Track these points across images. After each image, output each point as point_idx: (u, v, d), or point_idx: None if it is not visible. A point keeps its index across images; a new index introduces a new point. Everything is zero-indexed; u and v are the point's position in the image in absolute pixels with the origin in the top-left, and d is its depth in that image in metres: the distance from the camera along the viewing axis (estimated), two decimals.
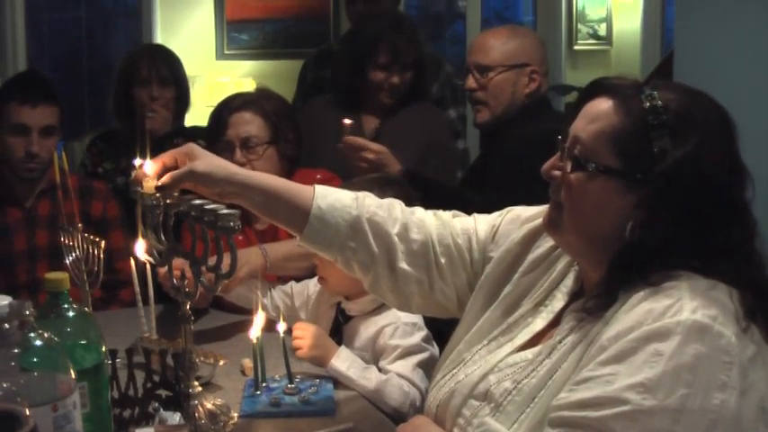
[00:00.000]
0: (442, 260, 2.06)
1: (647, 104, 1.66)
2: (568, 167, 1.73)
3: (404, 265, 2.03)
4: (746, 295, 1.60)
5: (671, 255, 1.63)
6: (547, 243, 1.97)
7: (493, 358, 1.88)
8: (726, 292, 1.60)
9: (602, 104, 1.72)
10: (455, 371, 1.96)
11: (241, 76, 7.17)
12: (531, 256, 1.99)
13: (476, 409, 1.83)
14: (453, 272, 2.07)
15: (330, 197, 2.01)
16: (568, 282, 1.89)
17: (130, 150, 2.48)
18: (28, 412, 1.37)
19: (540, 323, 1.88)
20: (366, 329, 2.57)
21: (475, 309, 2.03)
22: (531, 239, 2.01)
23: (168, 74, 3.89)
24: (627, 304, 1.61)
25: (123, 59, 4.11)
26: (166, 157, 1.95)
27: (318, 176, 3.10)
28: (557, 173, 1.77)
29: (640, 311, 1.56)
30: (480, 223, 2.09)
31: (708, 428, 1.48)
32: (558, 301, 1.88)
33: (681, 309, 1.53)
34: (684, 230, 1.63)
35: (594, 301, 1.69)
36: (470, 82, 3.35)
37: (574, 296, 1.86)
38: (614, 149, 1.67)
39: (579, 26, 9.93)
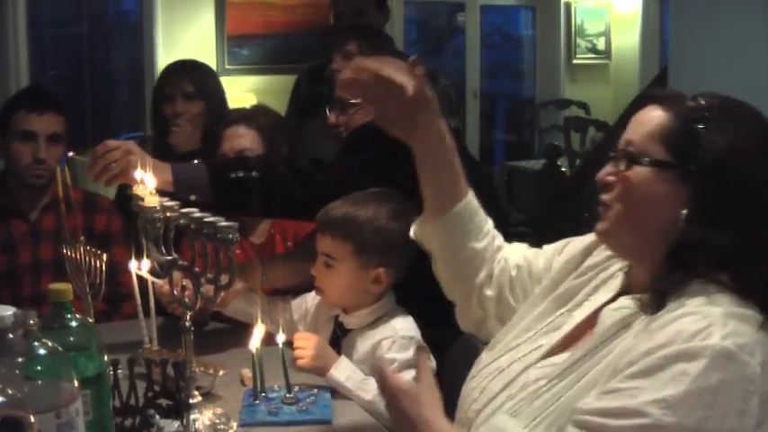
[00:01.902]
0: (511, 297, 2.20)
1: (692, 104, 1.77)
2: (622, 166, 1.81)
3: (488, 292, 2.21)
4: None
5: (719, 251, 1.70)
6: (604, 252, 2.04)
7: (534, 353, 1.96)
8: (758, 320, 1.64)
9: (651, 111, 1.81)
10: (501, 358, 2.03)
11: (242, 91, 7.18)
12: (588, 263, 2.08)
13: (512, 396, 1.89)
14: (516, 303, 2.20)
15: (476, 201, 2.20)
16: (614, 282, 1.95)
17: None
18: (32, 419, 1.40)
19: (580, 317, 1.96)
20: (364, 343, 2.58)
21: (531, 306, 2.13)
22: (591, 248, 2.10)
23: (194, 89, 3.81)
24: (660, 320, 1.67)
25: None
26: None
27: None
28: (611, 178, 1.84)
29: (672, 330, 1.61)
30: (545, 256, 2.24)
31: None
32: (601, 298, 1.95)
33: (711, 333, 1.57)
34: (733, 219, 1.71)
35: (649, 295, 1.76)
36: (332, 118, 3.19)
37: (616, 296, 1.91)
38: (664, 145, 1.76)
39: (578, 40, 9.97)
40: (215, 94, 3.92)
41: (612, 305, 1.84)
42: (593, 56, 10.08)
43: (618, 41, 9.97)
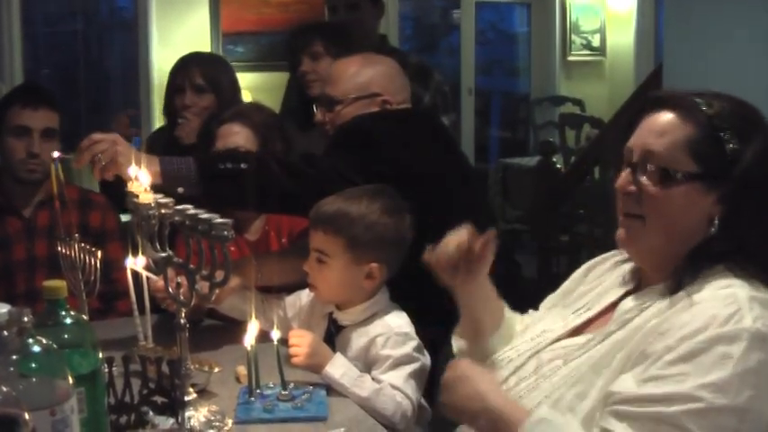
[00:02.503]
0: None
1: (711, 112, 1.81)
2: (647, 180, 1.84)
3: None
4: None
5: (739, 249, 1.77)
6: (609, 261, 2.13)
7: (543, 341, 2.01)
8: None
9: (666, 117, 1.85)
10: (509, 351, 2.09)
11: None
12: (592, 274, 2.15)
13: (521, 380, 1.94)
14: None
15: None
16: (627, 277, 2.01)
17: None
18: (27, 417, 1.40)
19: (594, 311, 2.01)
20: (358, 339, 2.58)
21: (547, 304, 2.24)
22: (591, 267, 2.19)
23: (204, 82, 3.78)
24: (683, 302, 1.73)
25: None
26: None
27: None
28: (633, 188, 1.87)
29: (705, 316, 1.67)
30: None
31: (765, 427, 1.62)
32: (614, 293, 2.00)
33: (743, 317, 1.64)
34: (757, 223, 1.79)
35: (662, 288, 1.83)
36: (318, 116, 3.20)
37: (629, 292, 1.97)
38: (691, 156, 1.80)
39: (573, 37, 9.96)
40: (226, 89, 3.86)
41: (631, 296, 1.88)
42: (588, 53, 10.07)
43: (613, 39, 9.96)
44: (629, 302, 1.88)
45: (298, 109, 4.18)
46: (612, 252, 2.13)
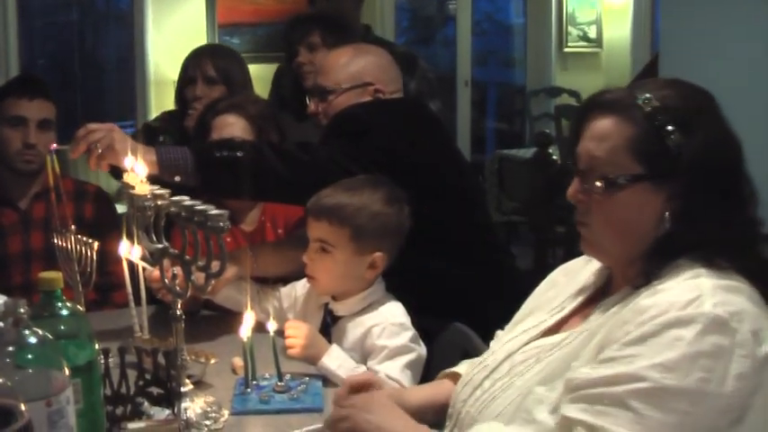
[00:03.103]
0: None
1: (648, 108, 1.76)
2: (593, 189, 1.81)
3: None
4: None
5: (699, 240, 1.74)
6: (577, 264, 2.11)
7: (516, 343, 1.98)
8: (745, 290, 1.68)
9: (606, 122, 1.81)
10: (487, 359, 2.05)
11: None
12: (571, 272, 2.12)
13: (495, 381, 1.92)
14: None
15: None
16: (597, 279, 1.99)
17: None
18: (23, 407, 1.40)
19: (567, 309, 1.98)
20: (354, 330, 2.58)
21: (519, 315, 2.18)
22: (554, 278, 2.17)
23: (215, 74, 3.75)
24: (648, 290, 1.71)
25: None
26: (356, 383, 2.09)
27: None
28: (581, 197, 1.86)
29: (665, 301, 1.64)
30: None
31: (721, 413, 1.57)
32: (587, 291, 1.99)
33: (703, 302, 1.61)
34: (712, 213, 1.74)
35: (627, 288, 1.80)
36: (311, 106, 3.18)
37: (599, 291, 1.95)
38: (634, 157, 1.76)
39: (569, 28, 9.96)
40: (238, 81, 3.83)
41: (603, 301, 1.87)
42: (585, 44, 10.07)
43: (609, 30, 9.96)
44: (599, 306, 1.87)
45: (293, 100, 4.18)
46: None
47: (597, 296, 1.94)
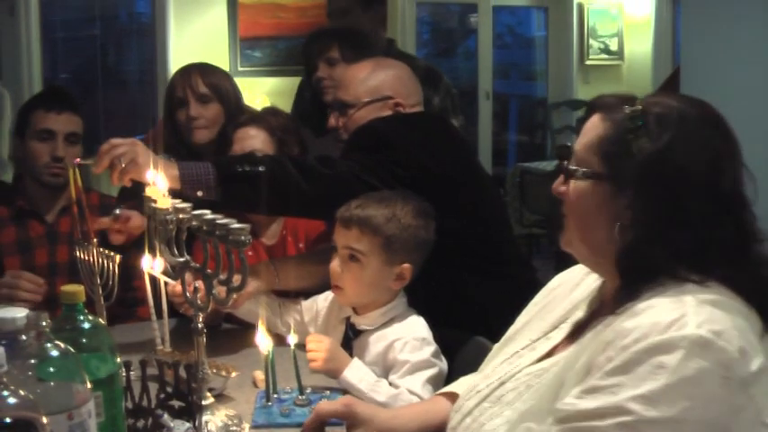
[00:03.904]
0: None
1: (628, 111, 1.73)
2: (564, 180, 1.82)
3: None
4: (753, 302, 1.66)
5: (667, 255, 1.67)
6: (583, 269, 2.03)
7: (512, 369, 1.94)
8: (731, 305, 1.63)
9: (591, 120, 1.81)
10: (477, 378, 2.03)
11: (254, 92, 7.20)
12: (568, 284, 2.08)
13: (485, 410, 1.89)
14: None
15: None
16: (591, 297, 1.95)
17: None
18: (45, 420, 1.40)
19: (559, 335, 1.94)
20: (376, 344, 2.58)
21: (513, 328, 2.14)
22: (551, 287, 2.14)
23: (207, 91, 3.64)
24: (631, 311, 1.64)
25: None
26: (327, 414, 2.06)
27: None
28: (563, 188, 1.84)
29: (646, 324, 1.59)
30: None
31: None
32: (578, 316, 1.94)
33: (686, 323, 1.56)
34: (672, 227, 1.67)
35: (610, 309, 1.73)
36: (332, 121, 3.19)
37: (594, 313, 1.90)
38: (599, 156, 1.75)
39: (591, 41, 9.96)
40: (231, 96, 3.74)
41: (594, 323, 1.84)
42: (606, 57, 10.08)
43: (630, 43, 9.97)
44: (590, 330, 1.84)
45: (312, 114, 4.18)
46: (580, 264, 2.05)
47: (592, 314, 1.90)
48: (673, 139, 1.68)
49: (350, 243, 2.58)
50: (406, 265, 2.58)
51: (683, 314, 1.57)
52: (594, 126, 1.79)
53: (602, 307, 1.88)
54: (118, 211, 2.88)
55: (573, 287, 2.05)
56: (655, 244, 1.68)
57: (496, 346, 2.19)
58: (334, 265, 2.62)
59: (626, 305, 1.67)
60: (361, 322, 2.64)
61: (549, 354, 1.91)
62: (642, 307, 1.63)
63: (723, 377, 1.53)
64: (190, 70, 3.73)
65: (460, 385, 2.21)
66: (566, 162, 1.84)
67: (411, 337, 2.52)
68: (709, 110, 1.77)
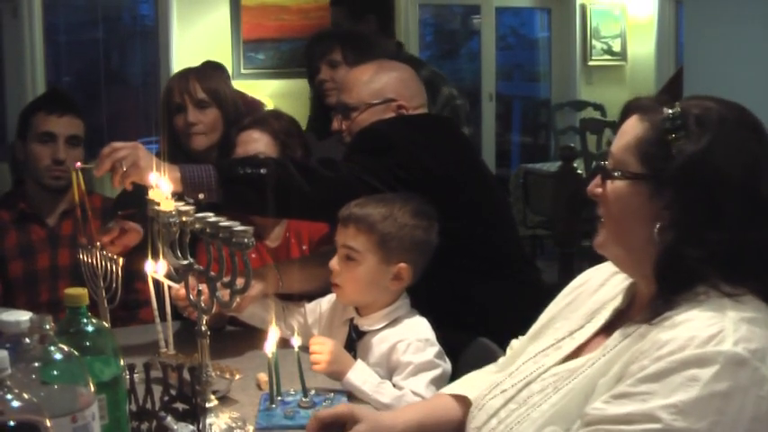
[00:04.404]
0: None
1: (667, 112, 1.73)
2: (600, 181, 1.82)
3: None
4: None
5: (705, 259, 1.67)
6: (610, 268, 2.03)
7: (538, 369, 1.94)
8: None
9: (629, 122, 1.80)
10: (504, 381, 2.01)
11: (257, 95, 7.20)
12: (594, 281, 2.08)
13: (512, 412, 1.89)
14: None
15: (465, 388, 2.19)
16: (618, 299, 1.94)
17: None
18: (49, 423, 1.40)
19: (585, 335, 1.94)
20: (379, 345, 2.58)
21: (538, 324, 2.14)
22: (578, 284, 2.13)
23: (205, 96, 3.53)
24: (668, 322, 1.65)
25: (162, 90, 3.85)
26: (327, 416, 2.05)
27: None
28: (599, 190, 1.84)
29: (684, 336, 1.59)
30: None
31: None
32: (604, 317, 1.94)
33: (723, 339, 1.56)
34: (710, 229, 1.67)
35: (644, 315, 1.74)
36: (335, 124, 3.18)
37: (620, 313, 1.91)
38: (638, 157, 1.75)
39: (594, 42, 9.96)
40: (228, 99, 3.64)
41: (623, 325, 1.83)
42: (609, 57, 10.07)
43: (633, 44, 9.96)
44: (619, 332, 1.83)
45: (315, 117, 4.19)
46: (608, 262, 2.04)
47: (619, 315, 1.91)
48: (713, 140, 1.69)
49: (347, 241, 2.59)
50: (403, 265, 2.58)
51: (721, 330, 1.58)
52: (632, 127, 1.78)
53: (632, 309, 1.88)
54: (111, 225, 2.87)
55: (598, 286, 2.05)
56: (693, 245, 1.68)
57: (518, 343, 2.19)
58: (333, 263, 2.62)
59: (663, 314, 1.68)
60: (364, 323, 2.64)
61: (575, 353, 1.91)
62: (680, 319, 1.64)
63: (757, 396, 1.54)
64: (187, 75, 3.64)
65: (466, 383, 2.21)
66: (603, 163, 1.84)
67: (414, 338, 2.53)
68: (747, 113, 1.78)
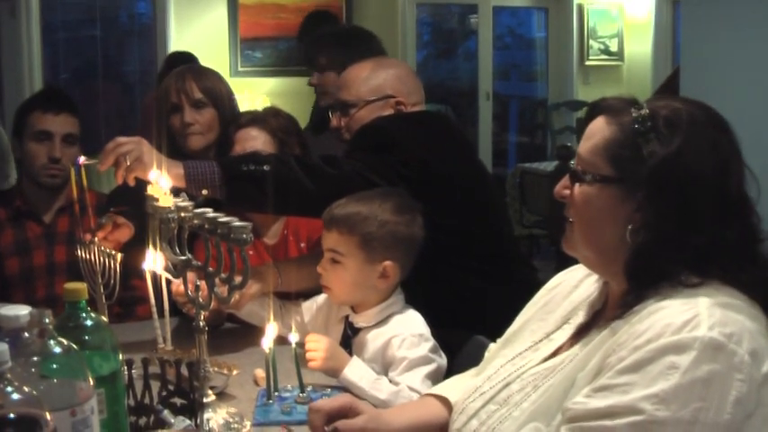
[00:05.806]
0: None
1: (636, 114, 1.73)
2: (568, 184, 1.81)
3: None
4: (759, 303, 1.67)
5: (678, 258, 1.68)
6: (584, 269, 2.02)
7: (517, 370, 1.94)
8: (743, 307, 1.64)
9: (596, 122, 1.80)
10: (483, 384, 2.01)
11: (255, 93, 7.21)
12: (568, 283, 2.08)
13: (492, 413, 1.89)
14: None
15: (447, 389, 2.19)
16: (592, 300, 1.94)
17: None
18: (48, 417, 1.41)
19: (562, 336, 1.94)
20: (374, 341, 2.58)
21: (512, 328, 2.13)
22: (552, 285, 2.13)
23: (202, 96, 3.47)
24: (644, 311, 1.65)
25: (157, 90, 3.83)
26: (329, 407, 2.01)
27: None
28: (566, 192, 1.84)
29: (660, 324, 1.60)
30: None
31: None
32: (581, 317, 1.94)
33: (698, 324, 1.57)
34: (684, 230, 1.68)
35: (618, 311, 1.74)
36: (333, 121, 3.19)
37: (597, 313, 1.91)
38: (608, 159, 1.74)
39: (591, 42, 9.97)
40: (225, 98, 3.58)
41: (598, 323, 1.84)
42: (606, 57, 10.09)
43: (630, 44, 9.98)
44: (595, 330, 1.83)
45: (313, 114, 4.20)
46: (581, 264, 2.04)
47: (595, 315, 1.91)
48: (684, 142, 1.69)
49: (330, 245, 2.60)
50: (389, 263, 2.58)
51: (696, 315, 1.58)
52: (600, 129, 1.78)
53: (606, 308, 1.88)
54: (103, 220, 2.87)
55: (572, 288, 2.04)
56: (666, 246, 1.68)
57: (494, 346, 2.19)
58: (320, 266, 2.63)
59: (634, 308, 1.68)
60: (359, 320, 2.65)
61: (553, 355, 1.91)
62: (654, 308, 1.64)
63: (736, 380, 1.54)
64: (184, 74, 3.57)
65: (449, 386, 2.21)
66: (571, 164, 1.83)
67: (408, 333, 2.53)
68: (714, 112, 1.78)
